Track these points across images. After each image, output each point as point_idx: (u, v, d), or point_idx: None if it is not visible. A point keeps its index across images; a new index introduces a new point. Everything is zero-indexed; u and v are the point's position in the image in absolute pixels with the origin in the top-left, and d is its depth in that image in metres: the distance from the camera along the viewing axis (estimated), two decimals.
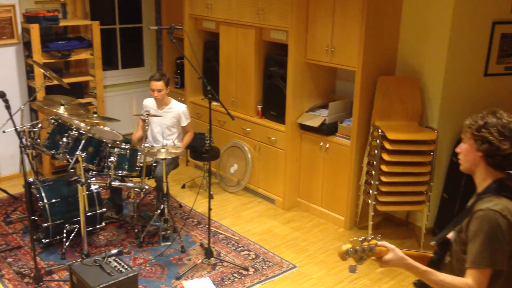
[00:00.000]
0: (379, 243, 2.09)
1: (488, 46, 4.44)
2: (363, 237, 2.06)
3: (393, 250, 2.08)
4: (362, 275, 4.08)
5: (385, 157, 4.33)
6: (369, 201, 4.55)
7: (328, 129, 4.86)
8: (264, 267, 4.26)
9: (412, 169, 4.39)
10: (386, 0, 4.47)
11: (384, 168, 4.36)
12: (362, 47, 4.39)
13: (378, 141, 4.38)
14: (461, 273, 2.06)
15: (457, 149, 2.16)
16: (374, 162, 4.43)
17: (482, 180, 2.09)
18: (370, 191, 4.52)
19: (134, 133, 5.02)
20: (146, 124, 4.52)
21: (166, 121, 4.84)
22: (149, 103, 4.90)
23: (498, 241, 1.94)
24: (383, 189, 4.43)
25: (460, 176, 4.39)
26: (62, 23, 5.69)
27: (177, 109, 4.86)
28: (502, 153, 1.99)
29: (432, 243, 2.24)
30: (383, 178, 4.39)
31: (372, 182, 4.48)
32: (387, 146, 4.31)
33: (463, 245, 2.07)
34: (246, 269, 4.20)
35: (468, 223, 2.03)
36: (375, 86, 4.52)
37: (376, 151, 4.40)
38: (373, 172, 4.44)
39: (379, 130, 4.37)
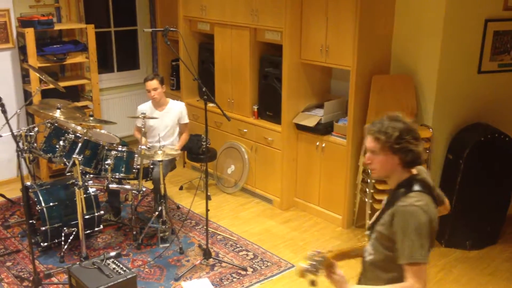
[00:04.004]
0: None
1: (481, 44, 4.47)
2: (318, 250, 2.09)
3: (341, 276, 2.12)
4: None
5: None
6: (366, 200, 4.57)
7: (324, 129, 4.88)
8: (262, 267, 4.27)
9: None
10: None
11: None
12: (356, 46, 4.41)
13: None
14: (384, 270, 2.13)
15: (367, 161, 2.16)
16: None
17: (398, 179, 2.14)
18: (367, 190, 4.54)
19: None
20: (142, 126, 4.52)
21: (167, 122, 4.83)
22: (145, 107, 4.85)
23: (424, 236, 1.99)
24: (380, 187, 4.45)
25: (456, 173, 4.42)
26: (57, 27, 5.71)
27: (177, 107, 4.87)
28: (419, 155, 2.08)
29: (367, 233, 2.27)
30: None
31: (369, 180, 4.50)
32: None
33: (387, 241, 2.10)
34: (245, 269, 4.21)
35: (392, 219, 2.06)
36: (370, 85, 4.54)
37: None
38: (369, 171, 4.46)
39: None
